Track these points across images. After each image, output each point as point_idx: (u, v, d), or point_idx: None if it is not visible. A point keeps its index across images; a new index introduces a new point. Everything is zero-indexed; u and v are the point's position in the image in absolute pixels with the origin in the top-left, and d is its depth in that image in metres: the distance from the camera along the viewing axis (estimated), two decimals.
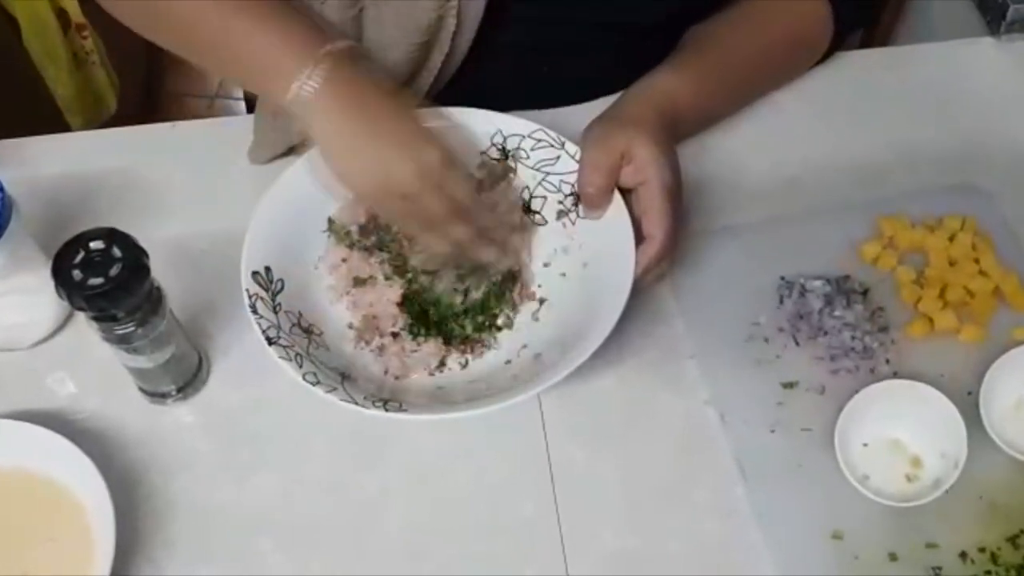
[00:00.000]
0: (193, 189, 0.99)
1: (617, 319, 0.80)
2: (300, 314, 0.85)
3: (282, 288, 0.85)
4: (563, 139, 0.90)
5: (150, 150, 1.02)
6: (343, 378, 0.81)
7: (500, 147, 0.91)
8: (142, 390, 0.87)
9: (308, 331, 0.84)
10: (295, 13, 0.82)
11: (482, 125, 0.91)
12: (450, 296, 0.88)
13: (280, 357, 0.79)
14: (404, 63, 0.92)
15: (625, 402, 0.88)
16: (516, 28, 0.96)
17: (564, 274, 0.90)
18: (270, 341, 0.80)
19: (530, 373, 0.82)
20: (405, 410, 0.78)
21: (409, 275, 0.89)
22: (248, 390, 0.87)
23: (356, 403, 0.77)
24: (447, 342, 0.87)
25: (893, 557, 0.79)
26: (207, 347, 0.89)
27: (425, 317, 0.88)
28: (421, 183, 0.79)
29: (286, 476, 0.84)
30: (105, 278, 0.74)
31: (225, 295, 0.88)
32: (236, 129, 1.02)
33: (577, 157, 0.89)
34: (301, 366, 0.79)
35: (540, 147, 0.91)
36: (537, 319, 0.89)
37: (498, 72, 0.98)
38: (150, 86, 1.91)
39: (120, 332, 0.78)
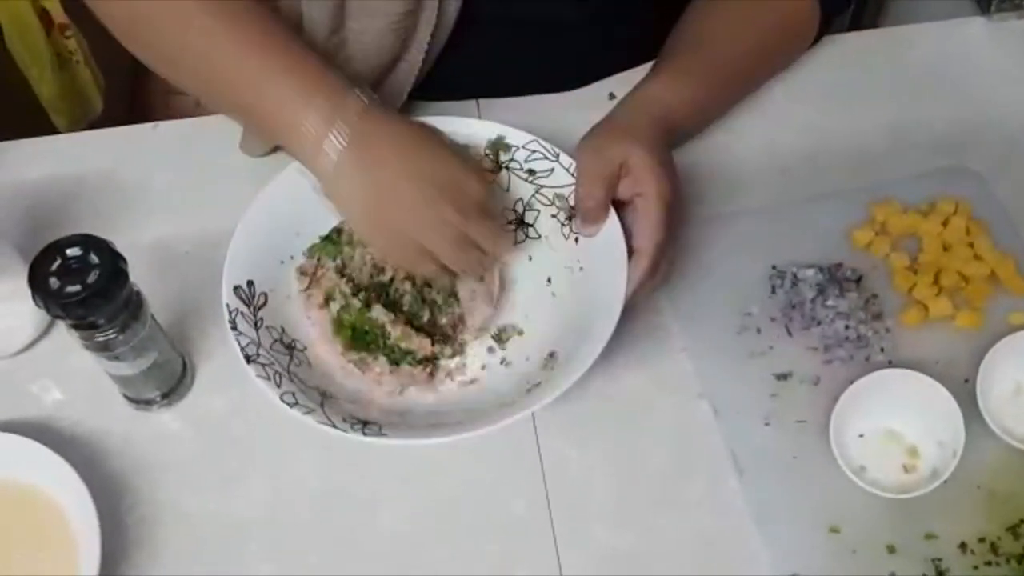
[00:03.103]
0: (175, 191, 0.97)
1: (607, 341, 0.78)
2: (283, 329, 0.83)
3: (264, 303, 0.83)
4: (558, 150, 0.88)
5: (131, 152, 1.00)
6: (323, 397, 0.79)
7: (493, 157, 0.89)
8: (126, 397, 0.85)
9: (291, 347, 0.82)
10: (309, 53, 0.81)
11: (478, 133, 0.89)
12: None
13: (258, 376, 0.77)
14: (390, 33, 0.91)
15: (616, 397, 0.86)
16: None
17: (554, 294, 0.88)
18: (248, 359, 0.78)
19: (518, 393, 0.81)
20: (385, 434, 0.76)
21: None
22: (233, 395, 0.86)
23: (334, 426, 0.76)
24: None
25: (892, 549, 0.78)
26: (191, 352, 0.88)
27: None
28: (452, 229, 0.78)
29: (273, 480, 0.83)
30: (82, 285, 0.73)
31: (208, 299, 0.87)
32: (219, 129, 1.00)
33: (571, 169, 0.87)
34: (280, 385, 0.77)
35: (534, 158, 0.89)
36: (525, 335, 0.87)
37: (486, 51, 0.97)
38: (136, 84, 1.90)
39: (101, 339, 0.77)
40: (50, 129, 1.57)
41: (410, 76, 0.96)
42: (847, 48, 1.06)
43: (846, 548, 0.78)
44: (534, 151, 0.89)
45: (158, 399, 0.85)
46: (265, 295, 0.83)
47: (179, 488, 0.83)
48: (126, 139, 1.01)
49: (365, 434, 0.76)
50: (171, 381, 0.85)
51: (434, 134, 0.83)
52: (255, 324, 0.80)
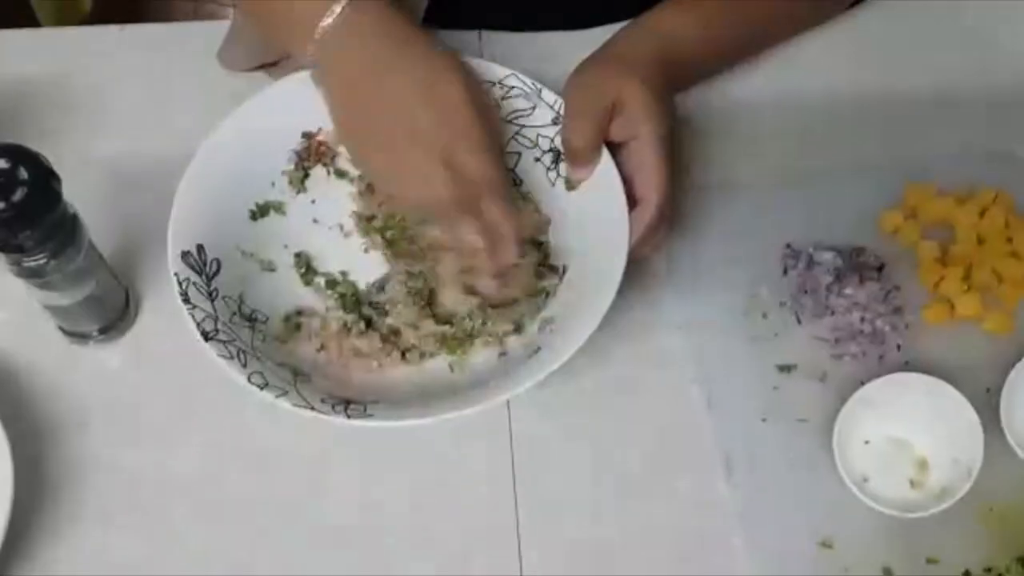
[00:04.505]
0: (138, 103, 0.88)
1: (612, 299, 0.70)
2: (241, 299, 0.74)
3: (218, 270, 0.74)
4: (539, 86, 0.79)
5: (94, 55, 0.90)
6: (295, 376, 0.71)
7: None
8: (61, 329, 0.77)
9: (251, 319, 0.74)
10: None
11: None
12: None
13: (220, 355, 0.69)
14: None
15: (599, 374, 0.79)
16: None
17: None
18: (207, 336, 0.69)
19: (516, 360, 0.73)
20: (371, 415, 0.68)
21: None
22: (181, 335, 0.75)
23: (313, 409, 0.68)
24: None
25: (888, 572, 0.72)
26: (137, 283, 0.80)
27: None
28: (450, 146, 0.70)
29: (217, 434, 0.76)
30: (6, 203, 0.65)
31: (160, 228, 0.76)
32: (195, 36, 0.91)
33: (556, 107, 0.78)
34: (245, 365, 0.69)
35: (512, 95, 0.79)
36: None
37: None
38: None
39: (29, 265, 0.69)
40: (32, 24, 1.48)
41: (420, 5, 0.86)
42: (891, 5, 0.96)
43: (837, 565, 0.72)
44: (512, 87, 0.79)
45: (95, 334, 0.78)
46: (218, 261, 0.74)
47: (110, 435, 0.76)
48: (88, 40, 0.92)
49: (349, 416, 0.68)
50: (110, 315, 0.77)
51: (451, 59, 0.73)
52: (209, 295, 0.72)
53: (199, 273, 0.72)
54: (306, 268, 0.79)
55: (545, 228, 0.80)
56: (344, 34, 0.70)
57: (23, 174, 0.66)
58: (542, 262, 0.79)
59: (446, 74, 0.71)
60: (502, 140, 0.77)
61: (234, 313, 0.73)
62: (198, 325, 0.70)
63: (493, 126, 0.74)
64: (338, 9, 0.70)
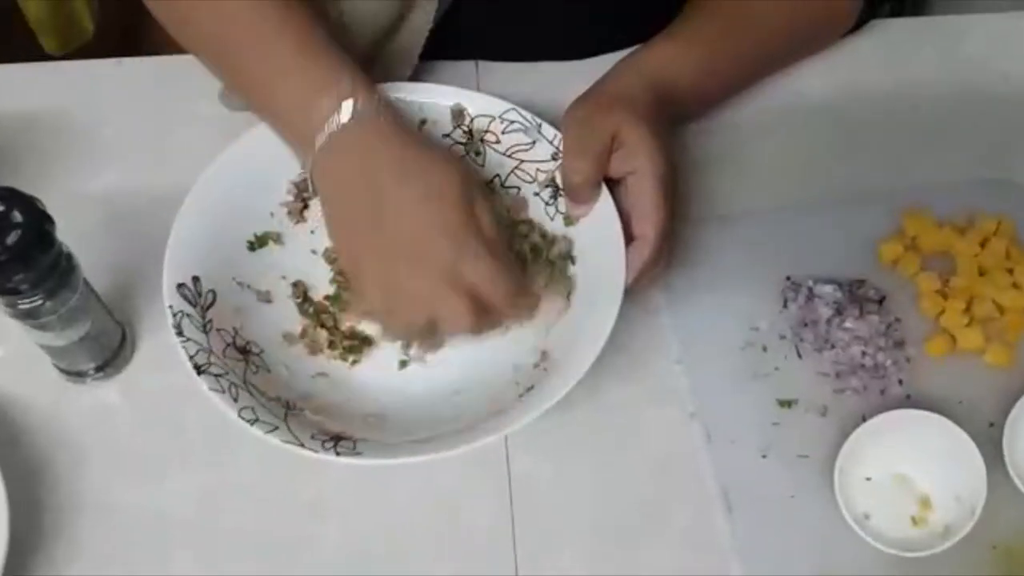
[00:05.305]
0: (135, 138, 0.88)
1: (607, 337, 0.69)
2: (235, 331, 0.73)
3: (213, 301, 0.73)
4: (539, 120, 0.78)
5: (90, 89, 0.91)
6: (287, 410, 0.70)
7: (466, 129, 0.79)
8: (57, 367, 0.77)
9: (245, 351, 0.73)
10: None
11: (445, 102, 0.79)
12: None
13: (212, 389, 0.68)
14: None
15: (598, 409, 0.78)
16: None
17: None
18: (199, 370, 0.69)
19: (510, 399, 0.72)
20: (359, 452, 0.67)
21: None
22: (177, 372, 0.75)
23: (302, 446, 0.67)
24: None
25: None
26: (134, 320, 0.80)
27: None
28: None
29: (215, 475, 0.75)
30: (1, 247, 0.64)
31: (158, 263, 0.76)
32: (193, 70, 0.91)
33: (556, 142, 0.77)
34: (236, 399, 0.68)
35: (512, 130, 0.79)
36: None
37: (489, 5, 0.88)
38: (137, 13, 1.79)
39: (24, 307, 0.69)
40: (39, 53, 1.47)
41: (420, 36, 0.86)
42: (891, 35, 0.95)
43: None
44: (512, 121, 0.79)
45: (92, 372, 0.77)
46: (214, 292, 0.73)
47: (107, 473, 0.75)
48: (85, 74, 0.92)
49: (338, 453, 0.67)
50: (107, 353, 0.77)
51: (453, 170, 0.70)
52: (204, 327, 0.71)
53: (194, 305, 0.72)
54: (303, 298, 0.78)
55: (521, 208, 0.79)
56: (346, 142, 0.69)
57: (17, 217, 0.66)
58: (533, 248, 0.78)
59: (448, 189, 0.68)
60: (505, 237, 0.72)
61: (228, 345, 0.72)
62: (191, 359, 0.69)
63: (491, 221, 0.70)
64: (343, 118, 0.68)
